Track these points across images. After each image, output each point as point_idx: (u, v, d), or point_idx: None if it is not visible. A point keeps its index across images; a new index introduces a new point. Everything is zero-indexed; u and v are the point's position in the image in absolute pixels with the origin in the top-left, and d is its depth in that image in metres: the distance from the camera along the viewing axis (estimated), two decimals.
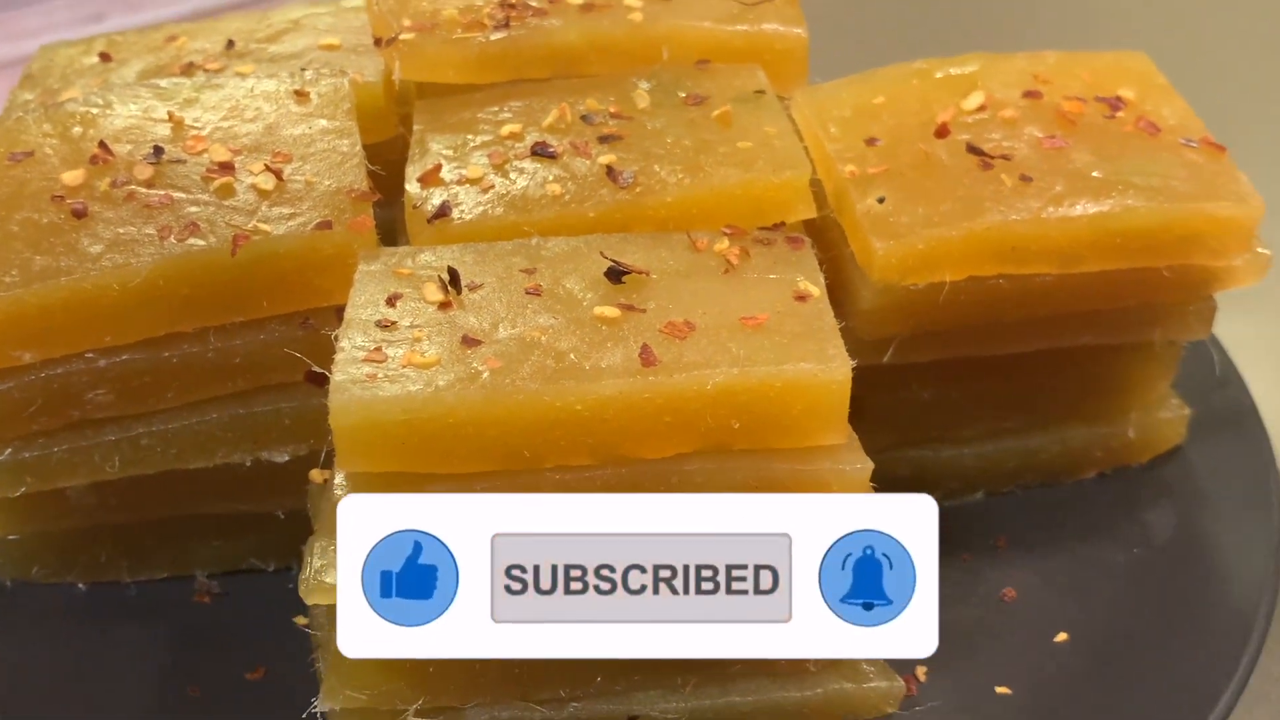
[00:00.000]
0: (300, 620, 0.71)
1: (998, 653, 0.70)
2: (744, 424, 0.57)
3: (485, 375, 0.56)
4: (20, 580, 0.74)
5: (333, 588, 0.60)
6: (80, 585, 0.74)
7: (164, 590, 0.74)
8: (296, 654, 0.69)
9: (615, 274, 0.61)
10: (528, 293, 0.61)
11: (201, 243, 0.64)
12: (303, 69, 0.75)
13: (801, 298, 0.61)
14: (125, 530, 0.73)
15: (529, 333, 0.58)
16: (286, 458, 0.70)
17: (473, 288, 0.61)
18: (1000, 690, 0.68)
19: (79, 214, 0.66)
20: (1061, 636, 0.70)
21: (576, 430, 0.56)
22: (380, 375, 0.56)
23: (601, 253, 0.62)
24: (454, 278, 0.61)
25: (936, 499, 0.77)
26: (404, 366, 0.57)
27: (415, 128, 0.75)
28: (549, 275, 0.62)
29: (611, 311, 0.60)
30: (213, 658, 0.70)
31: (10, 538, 0.72)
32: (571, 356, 0.57)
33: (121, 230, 0.65)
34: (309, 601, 0.60)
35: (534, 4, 0.79)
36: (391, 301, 0.61)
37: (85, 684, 0.69)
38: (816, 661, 0.66)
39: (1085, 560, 0.75)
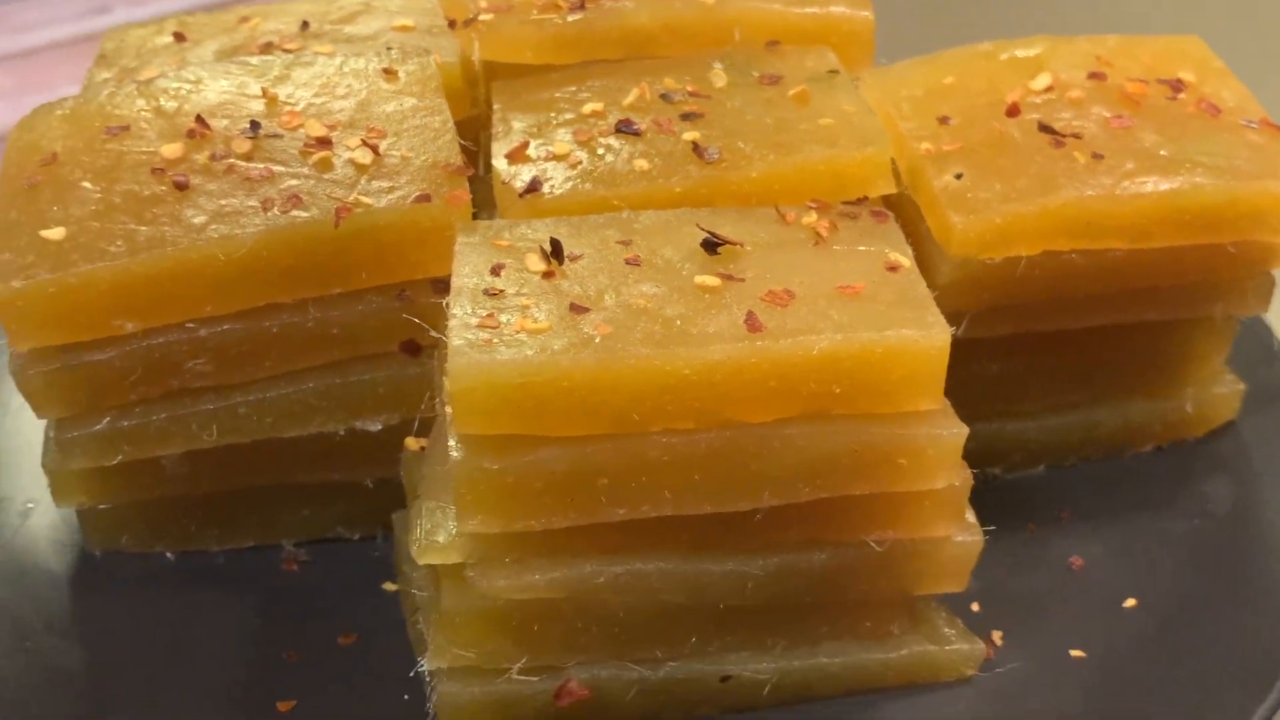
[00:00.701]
0: (390, 586, 0.72)
1: (1070, 618, 0.72)
2: (845, 389, 0.59)
3: (597, 340, 0.58)
4: (109, 550, 0.75)
5: (443, 547, 0.61)
6: (169, 554, 0.75)
7: (251, 559, 0.75)
8: (387, 620, 0.71)
9: (711, 245, 0.63)
10: (627, 263, 0.62)
11: (305, 214, 0.65)
12: (388, 48, 0.76)
13: (893, 268, 0.63)
14: (216, 499, 0.74)
15: (634, 300, 0.60)
16: (379, 427, 0.71)
17: (573, 258, 0.62)
18: (1075, 654, 0.70)
19: (181, 186, 0.67)
20: (1130, 602, 0.72)
21: (685, 394, 0.58)
22: (496, 340, 0.58)
23: (697, 224, 0.64)
24: (556, 248, 0.62)
25: (1000, 472, 0.81)
26: (518, 332, 0.58)
27: (495, 107, 0.76)
28: (645, 246, 0.64)
29: (712, 280, 0.61)
30: (305, 625, 0.71)
31: (102, 507, 0.73)
32: (678, 323, 0.59)
33: (224, 202, 0.66)
34: (421, 561, 0.61)
35: None
36: (496, 271, 0.62)
37: (180, 652, 0.70)
38: (900, 624, 0.68)
39: (1147, 531, 0.77)
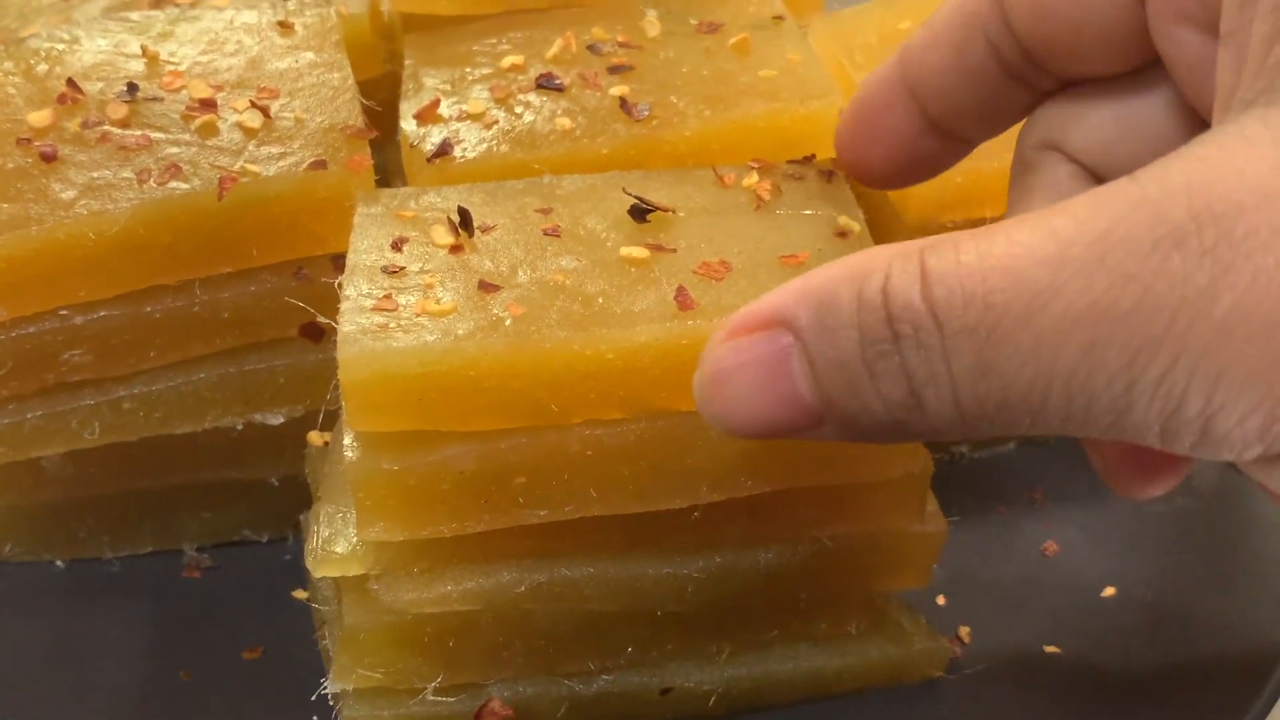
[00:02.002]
0: (300, 594, 0.66)
1: (1043, 610, 0.66)
2: None
3: (508, 322, 0.51)
4: None
5: (343, 558, 0.55)
6: (58, 562, 0.69)
7: (150, 565, 0.69)
8: (297, 631, 0.65)
9: (639, 212, 0.56)
10: (545, 234, 0.56)
11: (185, 185, 0.59)
12: (285, 0, 0.69)
13: (843, 234, 0.56)
14: (106, 502, 0.68)
15: (551, 276, 0.53)
16: (281, 420, 0.65)
17: (485, 229, 0.56)
18: (1049, 649, 0.65)
19: (48, 157, 0.60)
20: (1109, 591, 0.67)
21: (608, 381, 0.51)
22: (393, 325, 0.51)
23: (624, 189, 0.57)
24: (465, 218, 0.56)
25: (967, 451, 0.75)
26: (418, 315, 0.52)
27: (407, 62, 0.70)
28: (567, 215, 0.57)
29: (639, 252, 0.55)
30: (206, 637, 0.65)
31: None
32: (600, 301, 0.52)
33: (96, 174, 0.60)
34: (317, 574, 0.55)
35: None
36: (397, 246, 0.55)
37: (67, 669, 0.64)
38: (857, 625, 0.62)
39: (1127, 512, 0.71)
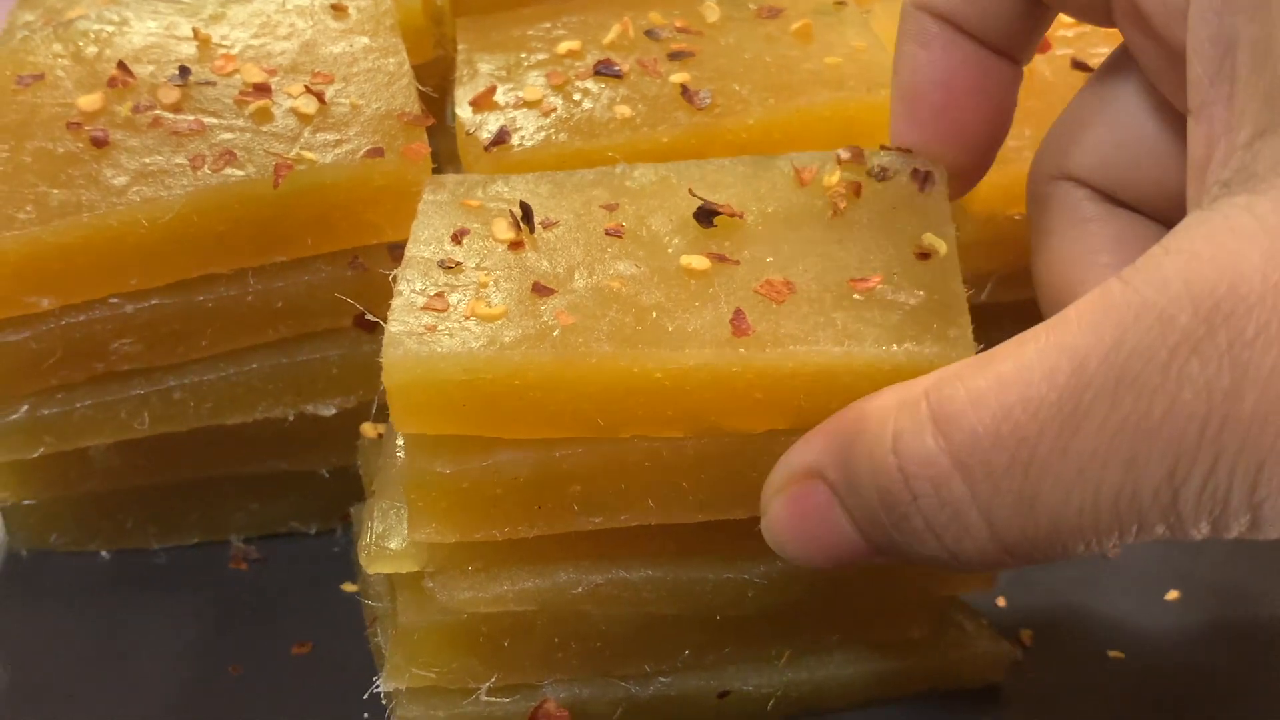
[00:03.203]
0: (349, 587, 0.66)
1: (1106, 614, 0.65)
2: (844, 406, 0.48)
3: (556, 332, 0.49)
4: (38, 549, 0.68)
5: (397, 555, 0.54)
6: (104, 553, 0.69)
7: (197, 557, 0.69)
8: (346, 625, 0.64)
9: (706, 215, 0.53)
10: (608, 233, 0.54)
11: (239, 173, 0.58)
12: None
13: (925, 254, 0.52)
14: (153, 493, 0.67)
15: (608, 282, 0.51)
16: (333, 411, 0.64)
17: (547, 225, 0.54)
18: (1113, 654, 0.63)
19: (99, 142, 0.59)
20: (1172, 594, 0.66)
21: (657, 399, 0.49)
22: (440, 327, 0.49)
23: (690, 190, 0.55)
24: (526, 214, 0.54)
25: None
26: (467, 318, 0.50)
27: (460, 47, 0.69)
28: (632, 212, 0.55)
29: (700, 262, 0.52)
30: (254, 631, 0.64)
31: (26, 503, 0.66)
32: (654, 315, 0.50)
33: (148, 160, 0.59)
34: (371, 570, 0.54)
35: None
36: (458, 238, 0.54)
37: (113, 664, 0.63)
38: (920, 627, 0.60)
39: None
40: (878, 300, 0.50)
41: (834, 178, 0.55)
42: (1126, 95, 0.51)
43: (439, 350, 0.49)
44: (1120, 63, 0.52)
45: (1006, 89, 0.55)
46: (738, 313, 0.49)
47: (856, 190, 0.54)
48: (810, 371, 0.48)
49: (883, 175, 0.55)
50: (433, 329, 0.50)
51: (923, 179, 0.55)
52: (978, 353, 0.47)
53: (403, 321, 0.50)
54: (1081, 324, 0.39)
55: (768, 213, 0.54)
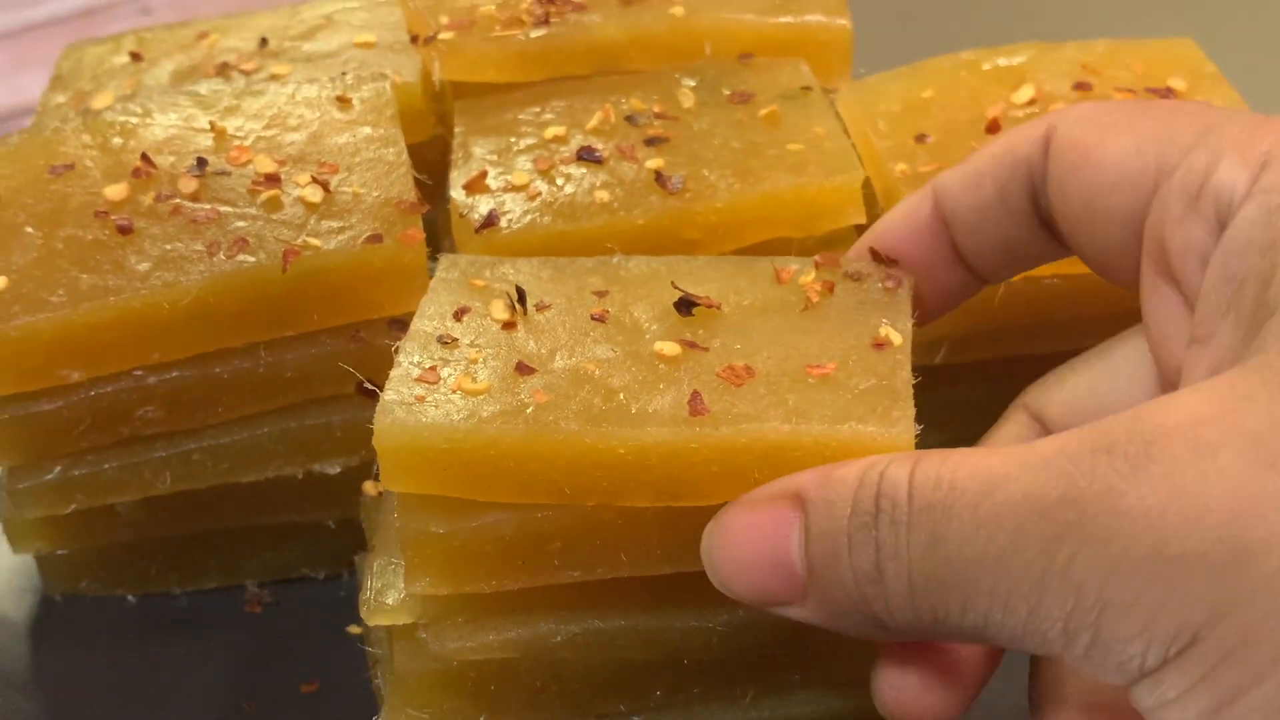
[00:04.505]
0: (354, 629, 0.71)
1: None
2: None
3: (530, 410, 0.54)
4: (70, 594, 0.74)
5: (393, 609, 0.59)
6: (130, 597, 0.74)
7: (215, 600, 0.74)
8: (350, 664, 0.69)
9: (685, 305, 0.58)
10: (593, 318, 0.59)
11: (251, 259, 0.63)
12: (343, 73, 0.74)
13: (880, 345, 0.57)
14: (175, 543, 0.72)
15: (584, 365, 0.56)
16: (338, 469, 0.69)
17: (541, 308, 0.59)
18: None
19: (124, 230, 0.65)
20: None
21: (620, 473, 0.54)
22: (429, 398, 0.55)
23: (672, 282, 0.59)
24: (521, 296, 0.59)
25: None
26: (454, 391, 0.55)
27: (456, 130, 0.74)
28: (619, 300, 0.60)
29: (672, 349, 0.56)
30: (267, 670, 0.70)
31: (59, 553, 0.72)
32: (621, 397, 0.55)
33: (169, 247, 0.64)
34: (370, 623, 0.60)
35: None
36: (459, 316, 0.59)
37: (140, 698, 0.69)
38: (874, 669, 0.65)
39: None
40: (831, 384, 0.55)
41: (810, 276, 0.60)
42: (1116, 357, 0.58)
43: (424, 420, 0.54)
44: (1115, 342, 0.59)
45: (958, 295, 0.61)
46: (695, 395, 0.54)
47: (830, 288, 0.60)
48: (762, 447, 0.53)
49: (857, 277, 0.60)
50: (422, 399, 0.55)
51: (896, 282, 0.60)
52: (918, 434, 0.53)
53: (397, 391, 0.55)
54: (1050, 436, 0.44)
55: (744, 304, 0.59)
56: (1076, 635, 0.42)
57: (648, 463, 0.53)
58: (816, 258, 0.61)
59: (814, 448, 0.52)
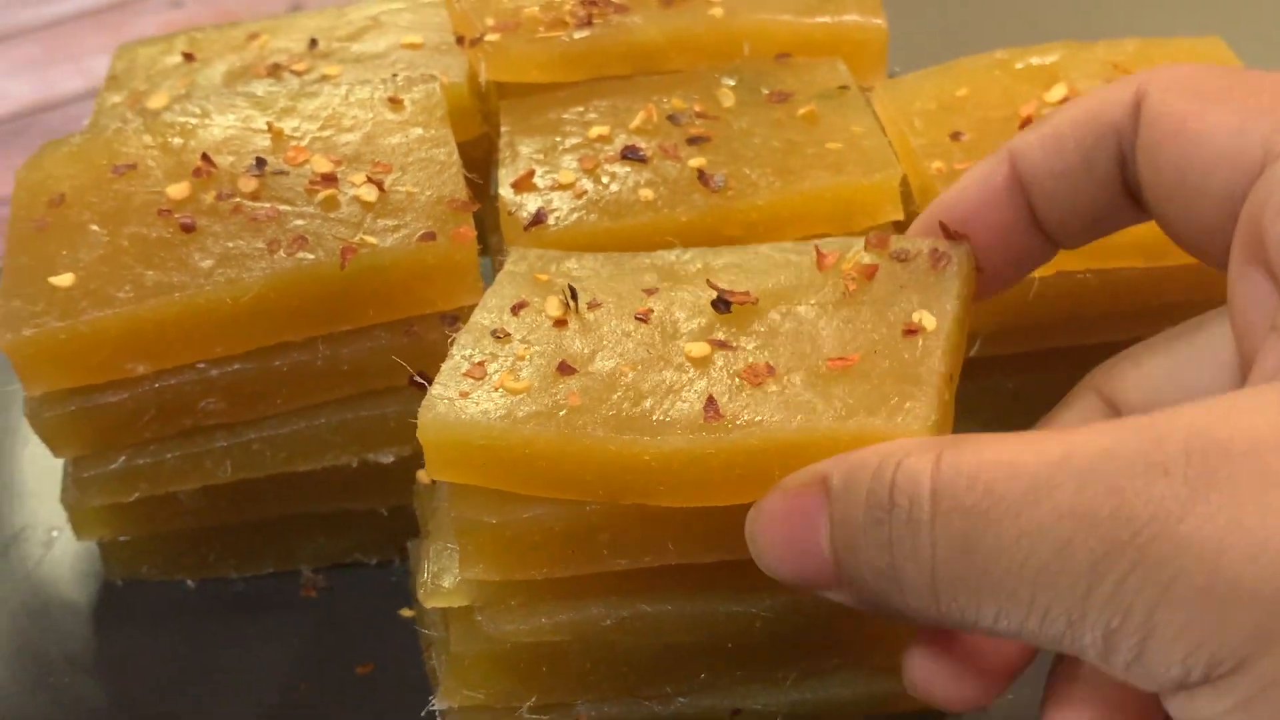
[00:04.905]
0: (406, 613, 0.73)
1: None
2: None
3: (562, 413, 0.56)
4: (131, 579, 0.76)
5: (450, 592, 0.62)
6: (190, 582, 0.76)
7: (270, 585, 0.76)
8: (403, 647, 0.71)
9: (723, 303, 0.59)
10: (636, 318, 0.60)
11: (311, 256, 0.66)
12: (394, 74, 0.76)
13: (911, 331, 0.57)
14: (233, 530, 0.75)
15: (620, 368, 0.58)
16: (392, 458, 0.72)
17: (593, 306, 0.61)
18: None
19: (188, 228, 0.67)
20: None
21: (647, 477, 0.55)
22: (472, 394, 0.57)
23: (708, 280, 0.61)
24: (573, 294, 0.61)
25: None
26: (496, 389, 0.57)
27: (503, 129, 0.76)
28: (665, 298, 0.61)
29: (701, 349, 0.57)
30: (322, 652, 0.72)
31: (121, 539, 0.74)
32: (648, 402, 0.56)
33: (230, 244, 0.66)
34: (428, 605, 0.62)
35: (615, 0, 0.80)
36: (516, 310, 0.61)
37: (199, 679, 0.71)
38: None
39: None
40: (851, 376, 0.55)
41: (851, 262, 0.60)
42: (1199, 340, 0.55)
43: (463, 417, 0.56)
44: (1197, 324, 0.56)
45: (1034, 261, 0.59)
46: (710, 400, 0.55)
47: (870, 273, 0.59)
48: (776, 448, 0.53)
49: (903, 257, 0.60)
50: (465, 395, 0.57)
51: (939, 259, 0.59)
52: (934, 421, 0.52)
53: (444, 384, 0.57)
54: (1088, 430, 0.42)
55: (782, 296, 0.60)
56: (1117, 650, 0.41)
57: (671, 467, 0.54)
58: (868, 237, 0.61)
59: (826, 444, 0.53)
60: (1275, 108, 0.48)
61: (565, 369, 0.58)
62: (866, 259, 0.60)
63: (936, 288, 0.58)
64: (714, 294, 0.60)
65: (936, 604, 0.45)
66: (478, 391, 0.57)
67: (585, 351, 0.59)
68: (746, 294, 0.60)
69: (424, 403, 0.57)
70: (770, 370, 0.56)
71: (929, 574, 0.44)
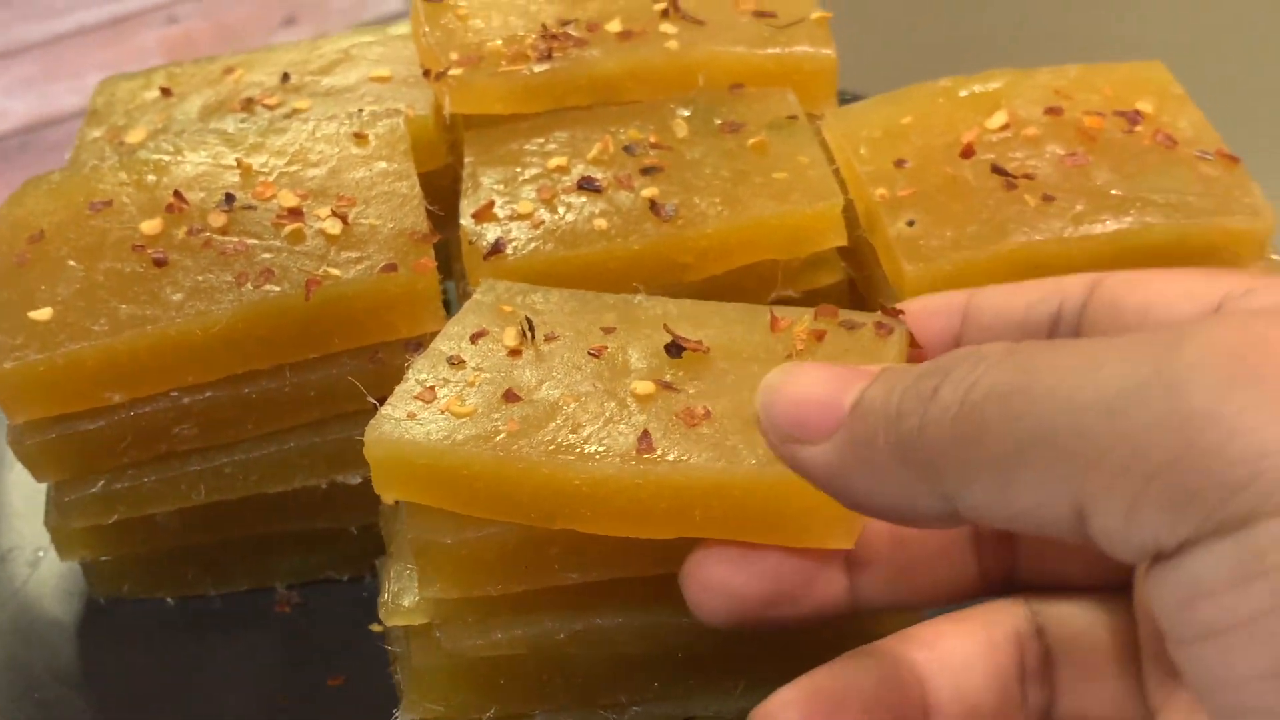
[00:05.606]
0: (376, 628, 0.76)
1: None
2: (737, 520, 0.56)
3: (500, 436, 0.58)
4: (113, 597, 0.79)
5: (409, 610, 0.65)
6: (169, 600, 0.79)
7: (247, 601, 0.79)
8: (372, 659, 0.74)
9: (676, 348, 0.62)
10: (589, 354, 0.63)
11: (277, 289, 0.69)
12: (360, 110, 0.79)
13: None
14: (209, 549, 0.78)
15: (564, 398, 0.60)
16: (359, 480, 0.74)
17: (550, 338, 0.63)
18: None
19: (160, 263, 0.70)
20: None
21: (578, 502, 0.58)
22: (419, 416, 0.59)
23: (665, 325, 0.63)
24: (530, 326, 0.63)
25: None
26: (442, 412, 0.60)
27: (466, 160, 0.79)
28: (622, 338, 0.63)
29: (646, 388, 0.60)
30: (297, 666, 0.75)
31: (103, 559, 0.77)
32: (585, 431, 0.58)
33: (200, 278, 0.70)
34: (389, 624, 0.65)
35: (574, 34, 0.83)
36: (475, 338, 0.64)
37: (180, 692, 0.74)
38: None
39: None
40: None
41: (805, 325, 0.63)
42: None
43: (406, 436, 0.59)
44: None
45: None
46: (644, 434, 0.58)
47: (820, 336, 0.62)
48: (702, 485, 0.56)
49: (851, 325, 0.63)
50: (412, 416, 0.59)
51: (883, 329, 0.62)
52: None
53: (394, 405, 0.60)
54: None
55: (733, 350, 0.62)
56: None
57: (600, 495, 0.57)
58: (818, 308, 0.63)
59: (747, 486, 0.56)
60: None
61: (511, 396, 0.60)
62: (817, 326, 0.63)
63: (880, 352, 0.61)
64: (669, 338, 0.62)
65: (952, 433, 0.43)
66: (424, 413, 0.60)
67: (533, 381, 0.61)
68: (699, 342, 0.62)
69: (371, 422, 0.60)
70: (706, 414, 0.59)
71: (961, 397, 0.42)
